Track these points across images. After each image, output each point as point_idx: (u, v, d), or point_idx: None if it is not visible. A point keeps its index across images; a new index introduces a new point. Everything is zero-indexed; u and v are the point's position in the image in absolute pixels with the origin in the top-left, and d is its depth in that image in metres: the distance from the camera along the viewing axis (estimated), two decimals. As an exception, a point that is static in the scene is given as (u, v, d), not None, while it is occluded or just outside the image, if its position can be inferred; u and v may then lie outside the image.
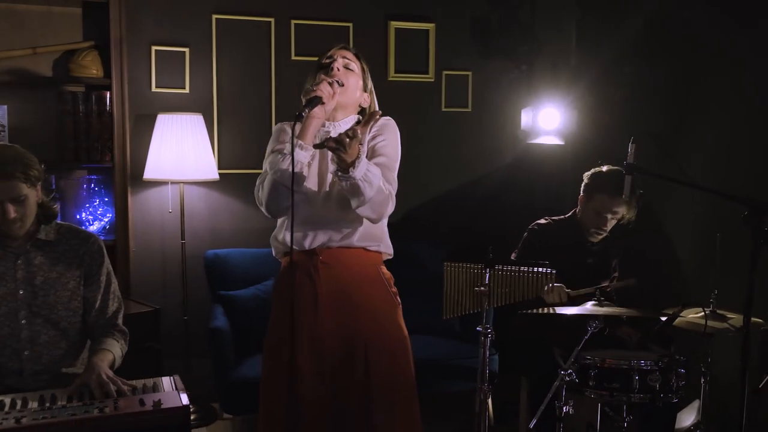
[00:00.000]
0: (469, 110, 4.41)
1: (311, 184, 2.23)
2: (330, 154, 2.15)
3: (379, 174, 2.12)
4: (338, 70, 2.25)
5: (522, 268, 2.54)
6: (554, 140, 4.10)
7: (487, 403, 3.68)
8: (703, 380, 2.83)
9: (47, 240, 2.37)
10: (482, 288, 2.54)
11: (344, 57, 2.30)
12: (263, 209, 2.20)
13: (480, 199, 4.41)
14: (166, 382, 2.20)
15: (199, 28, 3.87)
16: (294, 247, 2.16)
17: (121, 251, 3.55)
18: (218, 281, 3.71)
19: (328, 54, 2.31)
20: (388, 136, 2.29)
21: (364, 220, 2.23)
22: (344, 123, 2.30)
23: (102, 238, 3.54)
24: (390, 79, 4.22)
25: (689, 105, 3.78)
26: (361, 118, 2.35)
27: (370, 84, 2.37)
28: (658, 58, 3.95)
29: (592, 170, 3.21)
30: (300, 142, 2.10)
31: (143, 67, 3.78)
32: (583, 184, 3.22)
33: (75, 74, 3.50)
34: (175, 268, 3.81)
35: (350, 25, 4.11)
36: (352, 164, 2.01)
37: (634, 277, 3.07)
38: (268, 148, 2.27)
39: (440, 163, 4.36)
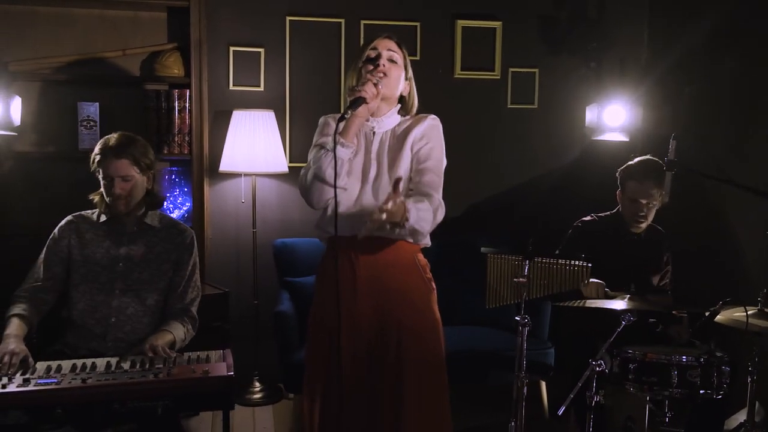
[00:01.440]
0: (535, 107, 4.45)
1: (354, 177, 2.30)
2: (373, 146, 2.30)
3: (429, 206, 2.20)
4: (383, 66, 2.30)
5: (560, 261, 2.61)
6: (620, 137, 4.10)
7: (541, 394, 3.78)
8: (750, 379, 2.81)
9: (152, 225, 2.69)
10: (521, 279, 2.63)
11: (389, 49, 2.34)
12: (305, 200, 2.31)
13: (546, 195, 4.45)
14: (217, 356, 2.41)
15: (274, 30, 4.09)
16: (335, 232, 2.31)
17: (197, 238, 3.80)
18: (286, 268, 3.93)
19: (372, 45, 2.35)
20: (434, 139, 2.35)
21: None
22: (387, 119, 2.38)
23: (181, 225, 3.88)
24: (456, 76, 4.32)
25: (762, 103, 3.71)
26: (401, 117, 2.42)
27: (410, 72, 2.42)
28: (730, 54, 3.89)
29: (624, 165, 3.26)
30: (342, 140, 2.17)
31: (222, 66, 4.04)
32: (618, 180, 3.26)
33: (159, 74, 3.79)
34: (247, 255, 4.06)
35: (417, 24, 4.23)
36: (405, 219, 2.10)
37: (686, 275, 3.06)
38: (314, 141, 2.37)
39: (505, 159, 4.42)
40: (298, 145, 4.16)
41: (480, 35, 4.34)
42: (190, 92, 3.76)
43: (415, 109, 2.45)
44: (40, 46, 3.74)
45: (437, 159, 2.33)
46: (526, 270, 2.65)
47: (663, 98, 4.19)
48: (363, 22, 4.18)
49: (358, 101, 2.17)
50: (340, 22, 4.16)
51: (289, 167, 3.99)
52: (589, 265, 2.57)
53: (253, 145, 3.81)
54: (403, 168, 2.31)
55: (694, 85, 4.07)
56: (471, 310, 3.87)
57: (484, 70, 4.37)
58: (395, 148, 2.33)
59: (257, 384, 4.01)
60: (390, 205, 1.98)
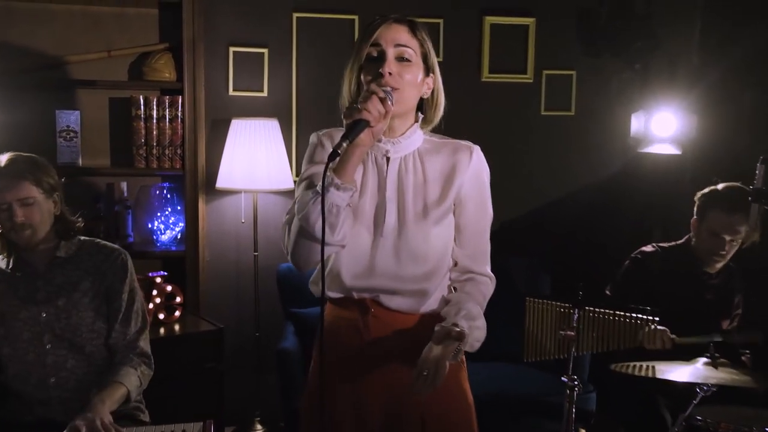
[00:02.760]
0: (572, 114, 3.99)
1: (362, 225, 1.72)
2: (389, 178, 1.74)
3: (479, 311, 1.75)
4: (390, 74, 1.66)
5: (618, 313, 2.14)
6: (669, 149, 3.63)
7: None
8: None
9: (68, 257, 2.22)
10: (569, 332, 2.17)
11: (398, 43, 1.69)
12: (289, 258, 1.72)
13: (582, 213, 3.98)
14: (197, 429, 1.96)
15: (279, 28, 3.66)
16: (340, 294, 1.77)
17: (191, 262, 3.39)
18: (291, 297, 3.49)
19: (373, 38, 1.69)
20: (486, 187, 1.82)
21: (445, 284, 1.81)
22: (407, 139, 1.76)
23: (173, 248, 3.46)
24: (484, 79, 3.86)
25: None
26: (426, 133, 1.83)
27: (432, 60, 1.76)
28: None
29: (706, 189, 2.78)
30: (337, 180, 1.59)
31: (219, 69, 3.61)
32: (695, 206, 2.78)
33: (149, 77, 3.37)
34: (247, 281, 3.63)
35: (441, 21, 3.78)
36: (459, 351, 1.67)
37: (760, 328, 2.56)
38: (302, 169, 1.80)
39: (539, 172, 3.97)
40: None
41: (510, 33, 3.87)
42: (184, 98, 3.33)
43: (439, 116, 1.83)
44: (13, 46, 3.31)
45: (490, 216, 1.84)
46: (575, 320, 2.18)
47: (720, 105, 3.69)
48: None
49: (359, 125, 1.57)
50: (354, 19, 3.71)
51: (295, 183, 3.54)
52: (656, 319, 2.10)
53: (255, 157, 3.39)
54: (442, 220, 1.75)
55: (756, 88, 3.58)
56: (500, 343, 3.40)
57: (516, 73, 3.91)
58: (425, 184, 1.75)
59: (258, 426, 3.58)
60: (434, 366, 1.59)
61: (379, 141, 1.74)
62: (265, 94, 3.66)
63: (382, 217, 1.73)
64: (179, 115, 3.35)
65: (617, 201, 3.96)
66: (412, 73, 1.70)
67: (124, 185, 3.40)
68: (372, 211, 1.75)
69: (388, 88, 1.64)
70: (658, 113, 3.61)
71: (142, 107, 3.33)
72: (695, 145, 3.63)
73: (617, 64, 3.97)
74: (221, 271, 3.66)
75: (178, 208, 3.47)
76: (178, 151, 3.37)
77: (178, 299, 3.23)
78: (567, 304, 2.19)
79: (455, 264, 1.81)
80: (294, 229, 1.66)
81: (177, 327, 3.17)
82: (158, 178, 3.52)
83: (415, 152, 1.78)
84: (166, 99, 3.35)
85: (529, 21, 3.88)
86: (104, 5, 3.39)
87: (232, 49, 3.60)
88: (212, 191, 3.54)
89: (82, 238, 2.30)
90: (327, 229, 1.58)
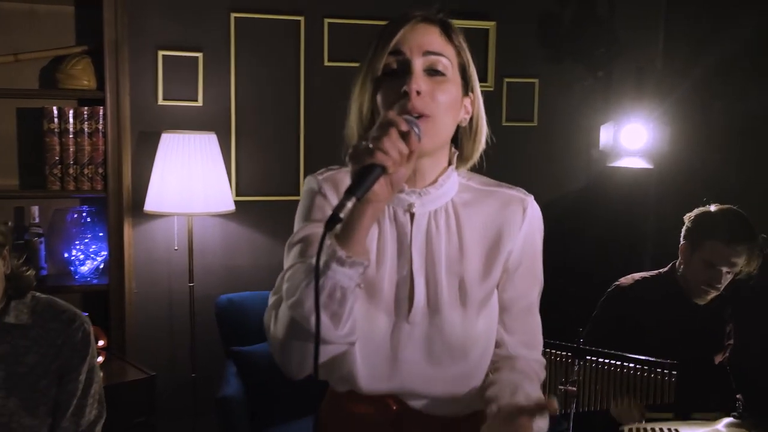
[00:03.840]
0: (535, 125, 3.72)
1: (381, 307, 1.28)
2: (415, 242, 1.28)
3: (538, 390, 1.34)
4: (419, 93, 1.20)
5: (629, 365, 1.84)
6: (640, 163, 3.38)
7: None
8: None
9: (18, 324, 1.79)
10: (569, 387, 1.85)
11: (427, 50, 1.22)
12: (277, 361, 1.22)
13: (546, 232, 3.71)
14: None
15: (215, 29, 3.26)
16: (351, 389, 1.32)
17: (115, 297, 2.96)
18: (232, 333, 3.08)
19: (393, 45, 1.23)
20: (536, 250, 1.37)
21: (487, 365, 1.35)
22: (438, 188, 1.29)
23: (95, 281, 3.01)
24: (441, 88, 3.54)
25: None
26: (463, 176, 1.35)
27: (472, 74, 1.30)
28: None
29: (697, 211, 2.50)
30: (341, 252, 1.10)
31: (147, 76, 3.18)
32: (684, 229, 2.50)
33: (64, 85, 2.92)
34: (182, 316, 3.20)
35: (394, 24, 3.44)
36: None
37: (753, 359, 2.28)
38: (295, 230, 1.34)
39: (499, 187, 3.67)
40: (246, 176, 3.33)
41: (470, 38, 3.56)
42: (105, 109, 2.90)
43: (480, 151, 1.35)
44: None
45: (540, 285, 1.39)
46: (575, 373, 1.87)
47: (691, 116, 3.48)
48: (327, 20, 3.37)
49: (371, 174, 1.07)
50: (299, 21, 3.34)
51: (236, 203, 3.15)
52: (674, 372, 1.81)
53: (189, 176, 2.98)
54: (486, 302, 1.31)
55: (728, 99, 3.38)
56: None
57: (475, 81, 3.61)
58: (462, 251, 1.30)
59: (197, 482, 3.16)
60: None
61: (401, 191, 1.27)
62: (199, 104, 3.25)
63: (408, 296, 1.27)
64: (100, 128, 2.92)
65: (582, 218, 3.71)
66: (448, 92, 1.23)
67: (35, 210, 2.94)
68: (392, 289, 1.28)
69: (415, 116, 1.17)
70: (627, 125, 3.37)
71: (56, 120, 2.89)
72: (667, 160, 3.40)
73: (580, 71, 3.72)
74: (151, 306, 3.22)
75: (100, 234, 3.03)
76: (99, 170, 2.93)
77: (100, 342, 2.78)
78: (565, 353, 1.89)
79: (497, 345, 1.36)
80: (283, 320, 1.15)
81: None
82: (76, 201, 3.07)
83: (449, 204, 1.31)
84: (85, 110, 2.91)
85: (488, 24, 3.59)
86: (10, 1, 2.93)
87: (161, 53, 3.18)
88: (140, 215, 3.11)
89: (36, 294, 1.87)
90: (328, 321, 1.11)
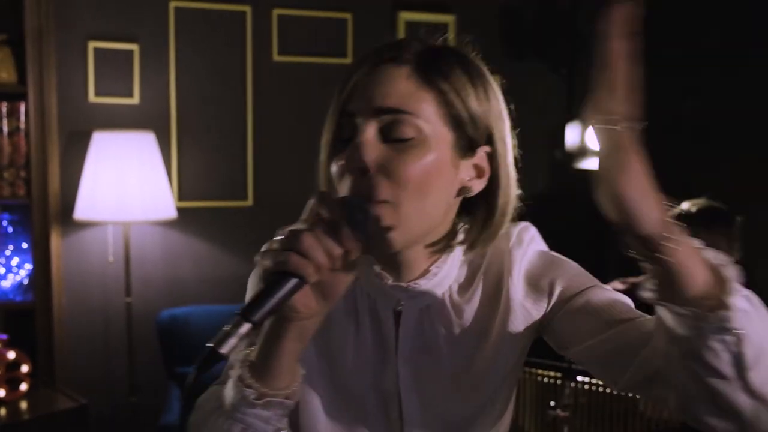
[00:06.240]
0: (497, 124, 3.55)
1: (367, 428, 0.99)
2: (402, 349, 0.97)
3: None
4: (368, 171, 0.86)
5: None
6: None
7: None
8: None
9: None
10: (561, 413, 1.65)
11: (379, 108, 0.87)
12: None
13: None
14: None
15: (153, 20, 2.98)
16: None
17: (42, 316, 2.64)
18: (175, 352, 2.82)
19: (342, 101, 0.89)
20: (585, 280, 0.96)
21: None
22: (432, 279, 0.95)
23: (17, 298, 2.69)
24: (399, 85, 3.33)
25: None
26: (467, 255, 0.98)
27: (479, 124, 0.93)
28: (737, 59, 3.11)
29: (671, 211, 2.38)
30: (249, 392, 0.83)
31: (77, 69, 2.89)
32: None
33: (-22, 79, 2.60)
34: (118, 334, 2.91)
35: (349, 16, 3.23)
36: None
37: None
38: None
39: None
40: (189, 180, 3.05)
41: (429, 31, 3.37)
42: (28, 105, 2.61)
43: (504, 227, 0.97)
44: None
45: (607, 294, 0.94)
46: (566, 396, 1.67)
47: (658, 113, 3.36)
48: (276, 11, 3.13)
49: (280, 285, 0.77)
50: (245, 11, 3.09)
51: (177, 209, 2.87)
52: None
53: (125, 180, 2.70)
54: (499, 391, 0.99)
55: (698, 97, 3.27)
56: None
57: (434, 77, 3.41)
58: (468, 340, 0.97)
59: None
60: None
61: (384, 283, 0.94)
62: (135, 101, 2.96)
63: (398, 417, 0.98)
64: (22, 126, 2.62)
65: (545, 223, 3.54)
66: (417, 163, 0.86)
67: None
68: (379, 409, 0.98)
69: (360, 200, 0.84)
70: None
71: (-30, 117, 2.57)
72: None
73: (542, 68, 3.56)
74: (83, 324, 2.91)
75: (23, 246, 2.73)
76: (22, 174, 2.63)
77: (24, 368, 2.47)
78: (555, 374, 1.69)
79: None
80: None
81: (24, 406, 2.42)
82: (-4, 209, 2.75)
83: (447, 293, 0.97)
84: (4, 106, 2.61)
85: (448, 18, 3.39)
86: None
87: (92, 45, 2.89)
88: (69, 223, 2.81)
89: None
90: None
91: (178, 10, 3.00)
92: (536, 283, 0.97)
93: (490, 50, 3.64)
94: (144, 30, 2.98)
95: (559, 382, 1.69)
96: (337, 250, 0.78)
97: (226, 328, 0.75)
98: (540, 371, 1.71)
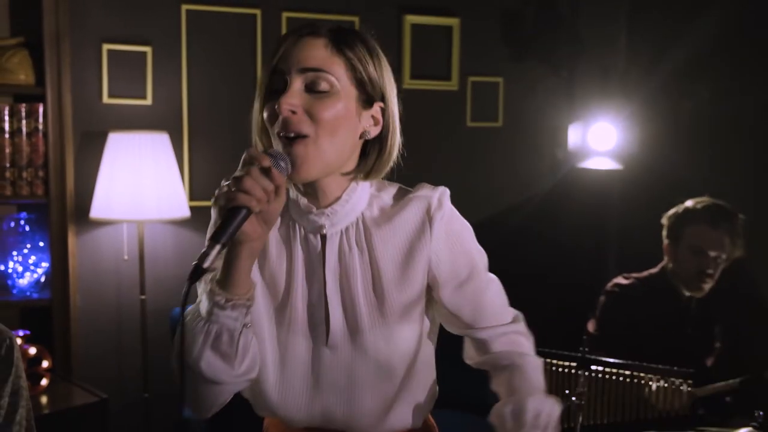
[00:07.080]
0: (500, 125, 3.62)
1: (299, 332, 1.26)
2: (329, 262, 1.24)
3: (534, 354, 1.37)
4: (294, 113, 1.16)
5: (641, 374, 1.72)
6: (609, 164, 3.33)
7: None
8: None
9: None
10: (575, 399, 1.73)
11: (304, 67, 1.17)
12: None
13: (510, 235, 3.60)
14: None
15: (165, 22, 3.03)
16: (284, 414, 1.30)
17: (59, 313, 2.69)
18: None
19: (274, 62, 1.19)
20: (463, 242, 1.33)
21: (420, 393, 1.33)
22: (344, 205, 1.24)
23: (35, 296, 2.74)
24: (405, 86, 3.39)
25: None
26: (373, 188, 1.29)
27: (377, 85, 1.22)
28: (738, 61, 3.20)
29: (674, 210, 2.48)
30: (219, 298, 1.13)
31: (92, 71, 2.93)
32: (665, 229, 2.47)
33: (-2, 81, 2.65)
34: (133, 331, 2.96)
35: (356, 19, 3.29)
36: None
37: (741, 372, 2.14)
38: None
39: (463, 189, 3.52)
40: (201, 179, 3.11)
41: (433, 35, 3.45)
42: (46, 107, 2.65)
43: (389, 165, 1.28)
44: None
45: (484, 265, 1.33)
46: (580, 385, 1.75)
47: (658, 116, 3.44)
48: (285, 14, 3.19)
49: (235, 216, 1.08)
50: (255, 14, 3.15)
51: (190, 208, 2.93)
52: (690, 381, 1.70)
53: (139, 180, 2.75)
54: (409, 314, 1.27)
55: (695, 98, 3.36)
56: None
57: (439, 79, 3.48)
58: (376, 265, 1.25)
59: None
60: None
61: (310, 212, 1.24)
62: (148, 102, 3.02)
63: (324, 320, 1.25)
64: (40, 127, 2.66)
65: (549, 221, 3.62)
66: (331, 108, 1.16)
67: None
68: (307, 314, 1.26)
69: (291, 136, 1.16)
70: (595, 124, 3.30)
71: (-11, 118, 2.62)
72: (635, 161, 3.35)
73: (544, 70, 3.64)
74: (99, 321, 2.97)
75: (41, 244, 2.77)
76: (40, 174, 2.67)
77: (44, 364, 2.51)
78: (569, 363, 1.76)
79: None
80: (175, 363, 1.20)
81: (45, 400, 2.47)
82: (13, 208, 2.80)
83: (359, 219, 1.25)
84: (22, 108, 2.65)
85: (452, 21, 3.47)
86: (-66, -13, 2.65)
87: (106, 47, 2.94)
88: (85, 222, 2.86)
89: None
90: (221, 363, 1.16)
91: (189, 12, 3.06)
92: (442, 247, 1.26)
93: (495, 53, 3.76)
94: (156, 32, 3.03)
95: (573, 371, 1.77)
96: (270, 186, 1.08)
97: (204, 250, 1.06)
98: (555, 361, 1.79)
